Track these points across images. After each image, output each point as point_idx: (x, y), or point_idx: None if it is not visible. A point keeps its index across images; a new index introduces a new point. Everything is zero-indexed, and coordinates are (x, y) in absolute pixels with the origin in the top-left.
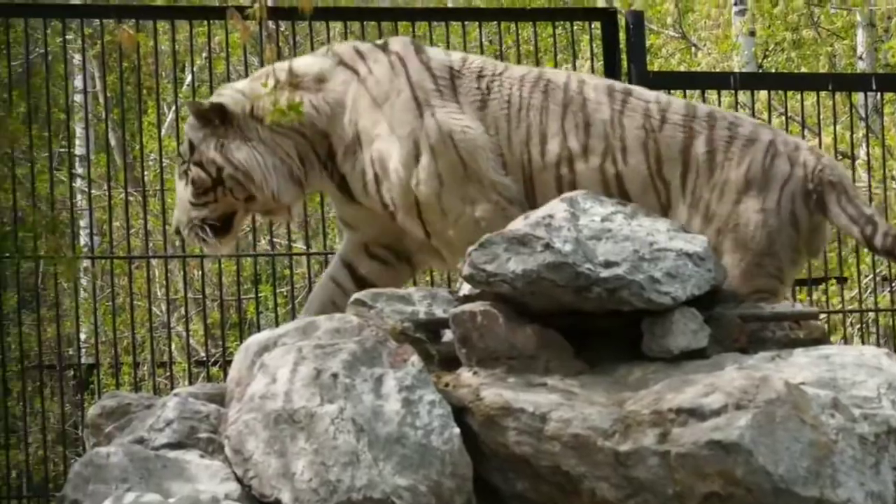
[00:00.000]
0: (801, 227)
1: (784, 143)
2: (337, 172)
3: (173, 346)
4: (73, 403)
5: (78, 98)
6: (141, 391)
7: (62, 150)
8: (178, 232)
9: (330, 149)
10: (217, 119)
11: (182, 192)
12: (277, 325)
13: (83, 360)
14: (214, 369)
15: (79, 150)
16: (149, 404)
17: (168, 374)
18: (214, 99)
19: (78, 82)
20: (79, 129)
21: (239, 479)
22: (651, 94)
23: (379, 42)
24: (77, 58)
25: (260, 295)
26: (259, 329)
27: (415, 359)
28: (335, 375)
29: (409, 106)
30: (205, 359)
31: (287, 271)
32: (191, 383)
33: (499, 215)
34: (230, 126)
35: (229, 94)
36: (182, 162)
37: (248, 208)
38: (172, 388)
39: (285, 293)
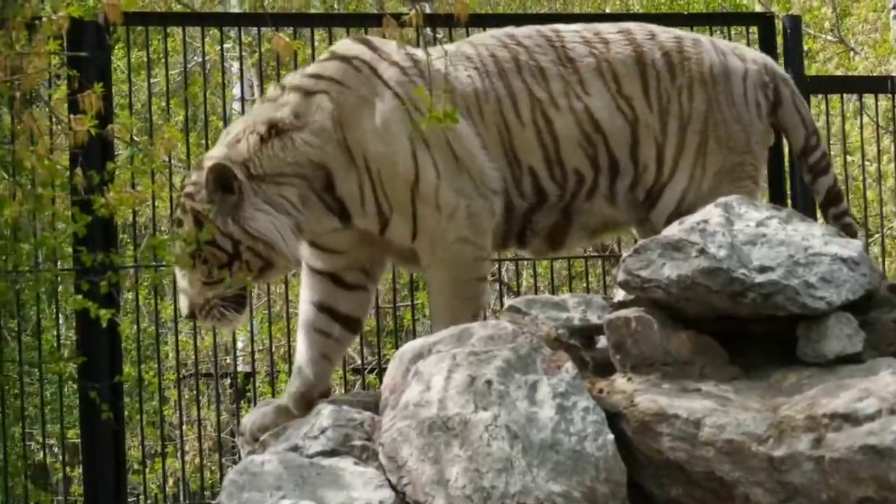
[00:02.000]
0: (764, 120)
1: (723, 44)
2: (336, 201)
3: None
4: (230, 412)
5: (236, 106)
6: None
7: None
8: (191, 317)
9: (328, 179)
10: (220, 189)
11: (188, 275)
12: (432, 332)
13: (240, 369)
14: (370, 377)
15: None
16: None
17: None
18: (218, 168)
19: (236, 90)
20: None
21: (393, 486)
22: (577, 24)
23: (327, 56)
24: (235, 66)
25: (416, 302)
26: (415, 336)
27: (569, 365)
28: (489, 382)
29: (393, 103)
30: (361, 366)
31: None
32: (346, 391)
33: (487, 210)
34: (234, 194)
35: (223, 152)
36: (188, 244)
37: (263, 276)
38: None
39: None
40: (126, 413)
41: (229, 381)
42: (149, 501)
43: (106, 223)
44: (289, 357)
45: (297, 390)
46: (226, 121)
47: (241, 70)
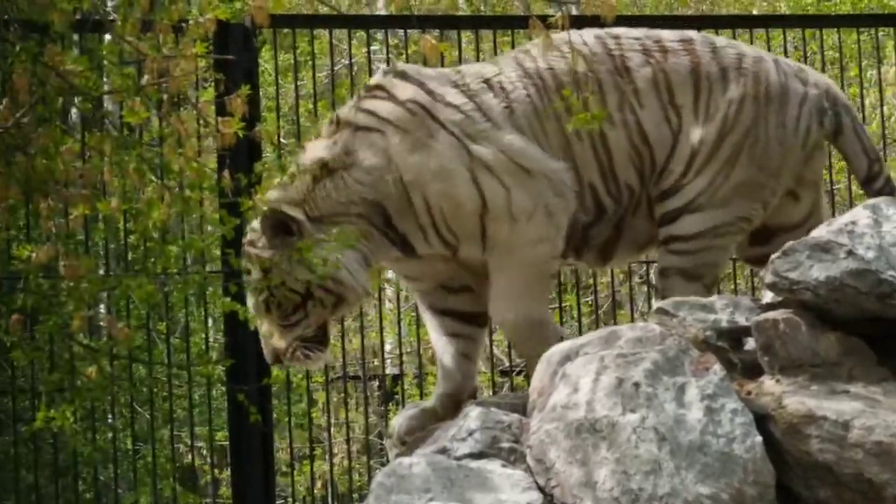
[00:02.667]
0: (807, 147)
1: (787, 65)
2: (398, 234)
3: None
4: (378, 414)
5: None
6: None
7: None
8: (276, 362)
9: (385, 215)
10: (281, 233)
11: (265, 323)
12: (581, 334)
13: (388, 371)
14: (518, 378)
15: None
16: None
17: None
18: (271, 213)
19: None
20: None
21: (541, 489)
22: (639, 31)
23: (380, 92)
24: (382, 68)
25: (564, 304)
26: (562, 338)
27: (717, 367)
28: (637, 384)
29: (449, 141)
30: (509, 368)
31: (591, 280)
32: (494, 393)
33: (564, 208)
34: (294, 235)
35: (279, 196)
36: (259, 293)
37: (336, 312)
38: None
39: (589, 302)
40: (274, 415)
41: (377, 383)
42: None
43: None
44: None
45: (444, 392)
46: None
47: None
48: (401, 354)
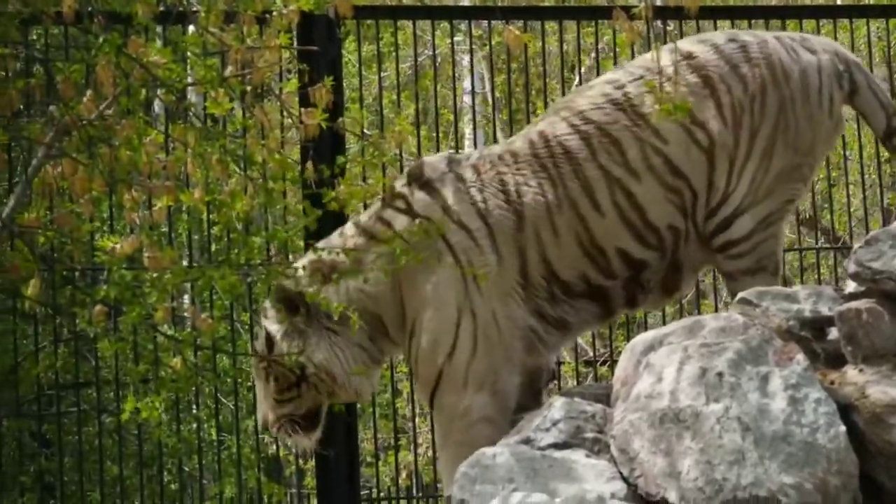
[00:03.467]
0: (833, 115)
1: (790, 38)
2: (394, 345)
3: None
4: None
5: (466, 99)
6: None
7: (451, 151)
8: (265, 429)
9: (383, 326)
10: (297, 308)
11: (262, 389)
12: (664, 324)
13: None
14: (602, 368)
15: (468, 150)
16: None
17: (556, 373)
18: (283, 289)
19: (466, 84)
20: (468, 131)
21: (625, 479)
22: (638, 64)
23: (400, 201)
24: (465, 59)
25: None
26: (646, 328)
27: (800, 357)
28: (721, 374)
29: (452, 271)
30: (593, 358)
31: None
32: (579, 383)
33: (514, 389)
34: (309, 317)
35: (286, 285)
36: (260, 360)
37: (333, 400)
38: (560, 389)
39: None
40: (359, 406)
41: None
42: (382, 494)
43: (337, 217)
44: None
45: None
46: (456, 114)
47: (472, 63)
48: None
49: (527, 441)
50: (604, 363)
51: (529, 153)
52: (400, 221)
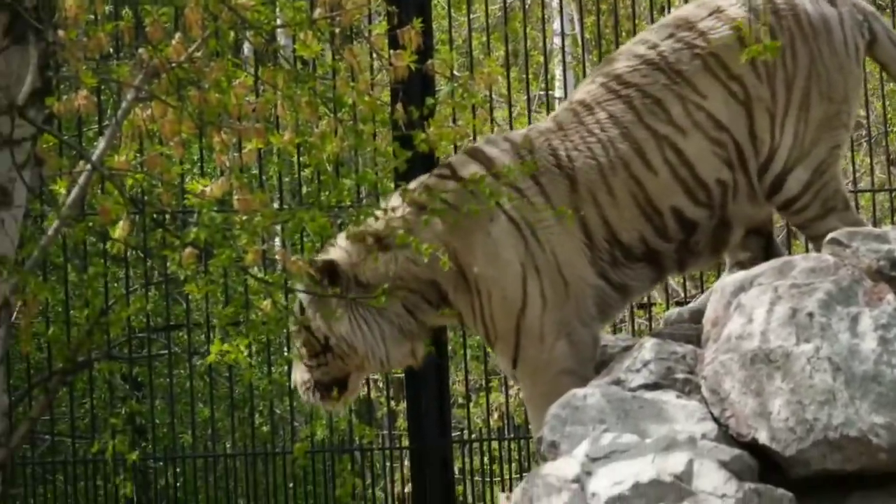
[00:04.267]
0: (860, 62)
1: None
2: (452, 308)
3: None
4: None
5: (556, 41)
6: (620, 332)
7: (541, 92)
8: (297, 390)
9: (441, 291)
10: (326, 279)
11: (297, 351)
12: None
13: None
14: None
15: (558, 92)
16: (626, 346)
17: (647, 315)
18: (325, 256)
19: (556, 25)
20: (557, 72)
21: (715, 419)
22: (669, 23)
23: (444, 171)
24: (555, 0)
25: None
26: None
27: (890, 297)
28: (811, 315)
29: (507, 227)
30: (683, 299)
31: None
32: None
33: (590, 338)
34: (346, 289)
35: (339, 254)
36: (295, 322)
37: (362, 372)
38: (651, 330)
39: None
40: (450, 347)
41: None
42: (473, 436)
43: (426, 158)
44: None
45: None
46: (546, 56)
47: (561, 4)
48: None
49: (617, 382)
50: None
51: (575, 122)
52: (447, 186)
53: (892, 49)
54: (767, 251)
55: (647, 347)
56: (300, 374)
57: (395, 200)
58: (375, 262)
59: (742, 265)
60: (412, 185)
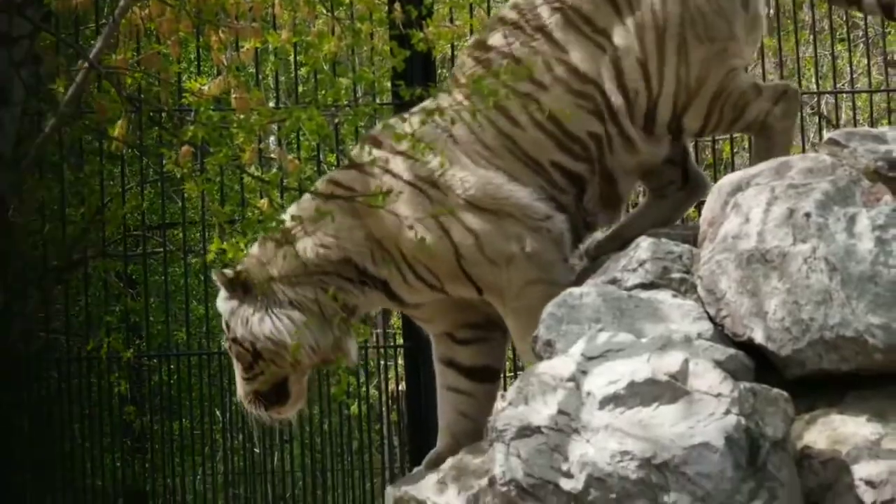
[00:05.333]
0: (750, 8)
1: None
2: (377, 281)
3: None
4: None
5: None
6: None
7: None
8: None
9: (358, 267)
10: (241, 290)
11: (235, 368)
12: (752, 164)
13: None
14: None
15: None
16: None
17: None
18: (239, 267)
19: None
20: None
21: (711, 319)
22: None
23: (344, 166)
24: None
25: (735, 135)
26: (733, 168)
27: (888, 197)
28: (808, 215)
29: (410, 192)
30: None
31: None
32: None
33: (547, 242)
34: (253, 295)
35: (249, 261)
36: (226, 339)
37: (298, 370)
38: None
39: None
40: None
41: None
42: None
43: (425, 58)
44: None
45: (436, 450)
46: None
47: None
48: None
49: (613, 281)
50: None
51: (452, 88)
52: (347, 176)
53: None
54: (685, 176)
55: (644, 247)
56: (241, 389)
57: (305, 200)
58: (292, 254)
59: (656, 192)
60: (318, 182)
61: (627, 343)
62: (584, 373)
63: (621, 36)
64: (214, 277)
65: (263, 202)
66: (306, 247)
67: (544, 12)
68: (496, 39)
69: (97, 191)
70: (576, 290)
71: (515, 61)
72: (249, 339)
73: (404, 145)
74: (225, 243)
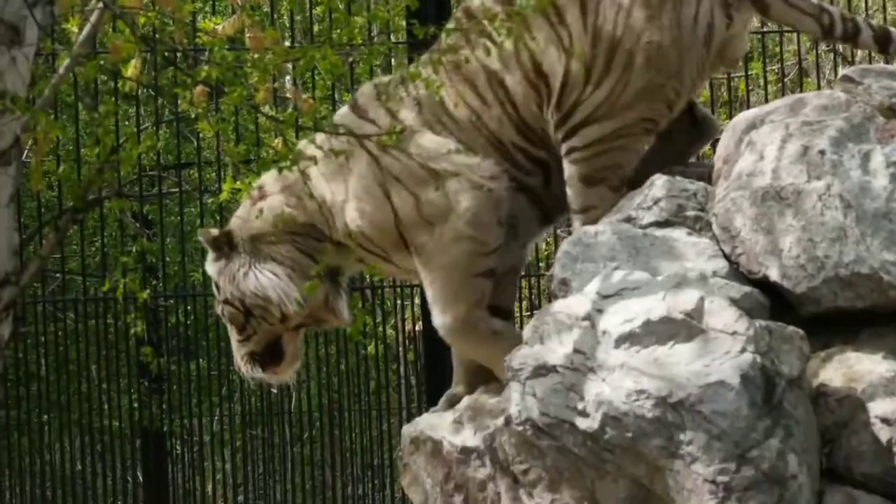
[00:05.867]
0: (713, 43)
1: None
2: (340, 245)
3: None
4: None
5: None
6: None
7: None
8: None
9: (320, 231)
10: (227, 247)
11: (231, 333)
12: (767, 102)
13: None
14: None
15: None
16: None
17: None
18: (204, 232)
19: None
20: None
21: (726, 256)
22: None
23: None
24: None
25: (750, 73)
26: (748, 106)
27: None
28: (822, 152)
29: (366, 160)
30: None
31: (777, 49)
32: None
33: (486, 201)
34: (238, 253)
35: (234, 221)
36: (217, 302)
37: (290, 327)
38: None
39: (776, 70)
40: None
41: None
42: None
43: None
44: None
45: (451, 391)
46: None
47: None
48: None
49: (628, 219)
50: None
51: (429, 55)
52: (319, 137)
53: (791, 12)
54: (693, 120)
55: (658, 185)
56: (237, 353)
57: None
58: (260, 214)
59: (666, 135)
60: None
61: (643, 281)
62: (600, 311)
63: (579, 35)
64: (200, 237)
65: (278, 142)
66: (274, 206)
67: None
68: (479, 12)
69: (112, 131)
70: (591, 229)
71: (488, 37)
72: (238, 296)
73: (376, 109)
74: (239, 182)
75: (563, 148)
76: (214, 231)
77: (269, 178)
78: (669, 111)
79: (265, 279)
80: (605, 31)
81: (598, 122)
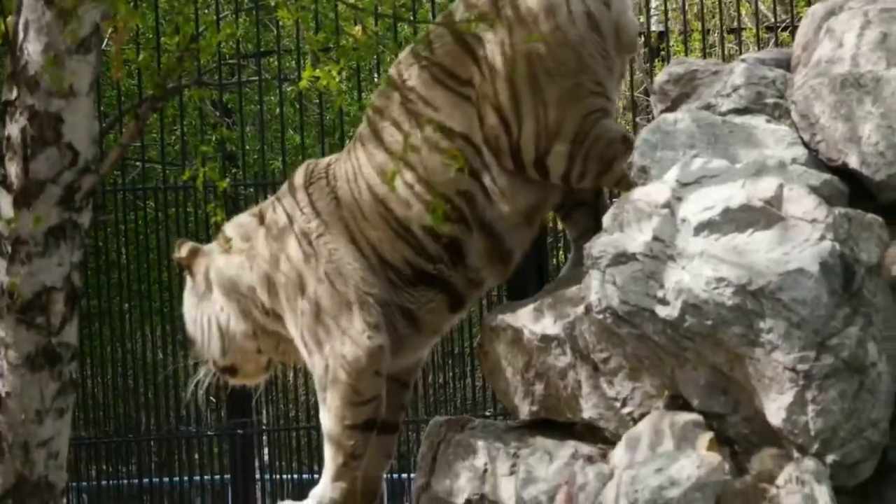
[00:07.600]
0: (602, 27)
1: None
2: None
3: (743, 12)
4: (644, 71)
5: None
6: (710, 58)
7: None
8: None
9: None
10: (189, 272)
11: None
12: None
13: (653, 28)
14: (784, 34)
15: None
16: (716, 70)
17: (737, 39)
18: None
19: None
20: None
21: (805, 144)
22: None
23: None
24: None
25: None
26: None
27: None
28: None
29: (296, 246)
30: (773, 24)
31: None
32: (760, 49)
33: (360, 364)
34: (195, 281)
35: (216, 242)
36: None
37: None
38: (741, 54)
39: None
40: None
41: (644, 40)
42: None
43: None
44: (701, 16)
45: None
46: None
47: None
48: (666, 10)
49: (707, 107)
50: (785, 28)
51: (349, 148)
52: (244, 217)
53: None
54: (597, 220)
55: (738, 72)
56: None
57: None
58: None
59: (578, 242)
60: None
61: (722, 169)
62: (679, 199)
63: (480, 83)
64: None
65: (357, 29)
66: (232, 263)
67: (414, 72)
68: (381, 100)
69: (192, 19)
70: (669, 116)
71: (394, 123)
72: (186, 319)
73: (302, 198)
74: (318, 70)
75: (555, 180)
76: (186, 248)
77: (224, 236)
78: (606, 96)
79: (199, 323)
80: (497, 66)
81: (551, 146)
